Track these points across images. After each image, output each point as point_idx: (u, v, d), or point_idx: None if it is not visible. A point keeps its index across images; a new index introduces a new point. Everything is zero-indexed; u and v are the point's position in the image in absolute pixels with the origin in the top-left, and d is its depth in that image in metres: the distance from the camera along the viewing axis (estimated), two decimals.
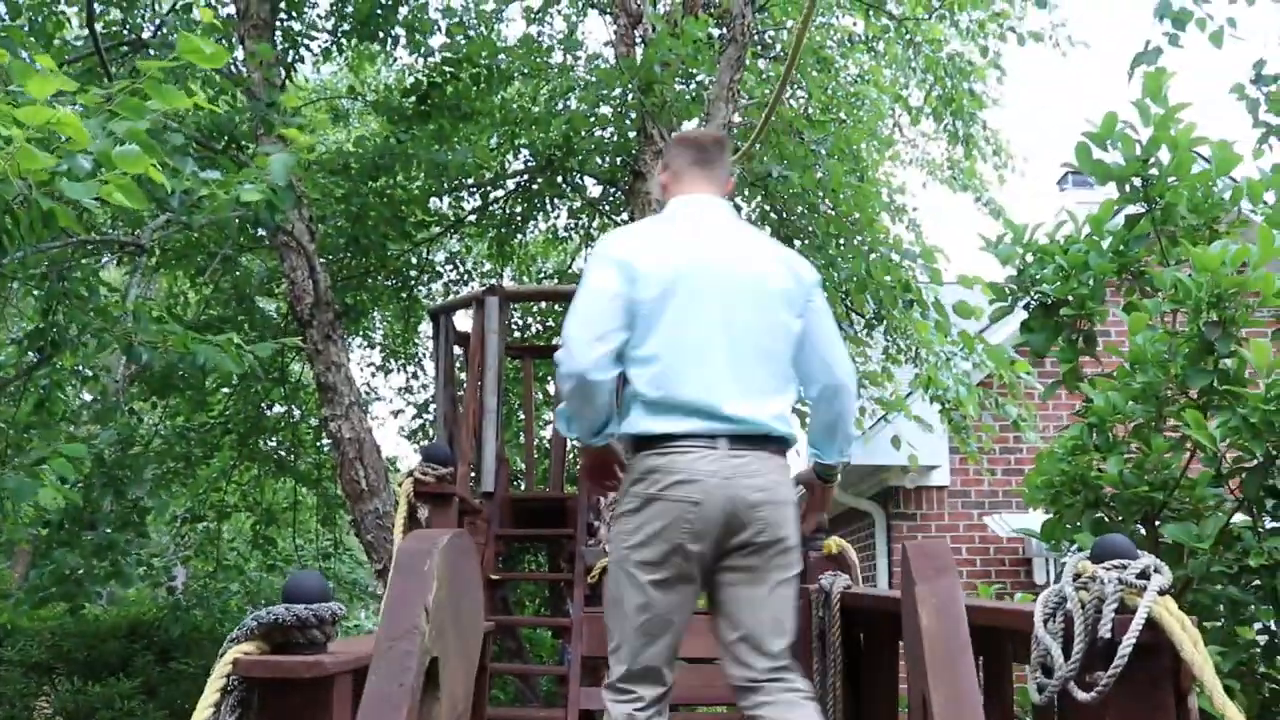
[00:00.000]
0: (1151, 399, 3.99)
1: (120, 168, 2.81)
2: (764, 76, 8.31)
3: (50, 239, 4.33)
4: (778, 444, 2.97)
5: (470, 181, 9.84)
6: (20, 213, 2.77)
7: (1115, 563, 2.67)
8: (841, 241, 7.67)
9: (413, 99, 8.03)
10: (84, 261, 5.49)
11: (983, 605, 3.20)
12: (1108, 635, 2.46)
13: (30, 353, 5.14)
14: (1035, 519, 10.82)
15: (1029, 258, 4.77)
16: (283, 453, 10.10)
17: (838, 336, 3.17)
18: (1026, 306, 4.82)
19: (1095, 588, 2.61)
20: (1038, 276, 4.64)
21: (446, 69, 7.99)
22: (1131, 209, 4.56)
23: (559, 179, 10.15)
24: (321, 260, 8.05)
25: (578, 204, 10.99)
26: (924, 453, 8.95)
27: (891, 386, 9.28)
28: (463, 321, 8.18)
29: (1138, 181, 4.39)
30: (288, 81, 8.14)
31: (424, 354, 11.51)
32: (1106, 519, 4.17)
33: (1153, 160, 4.33)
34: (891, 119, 9.53)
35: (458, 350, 8.12)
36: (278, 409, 10.11)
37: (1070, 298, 4.57)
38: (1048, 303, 4.69)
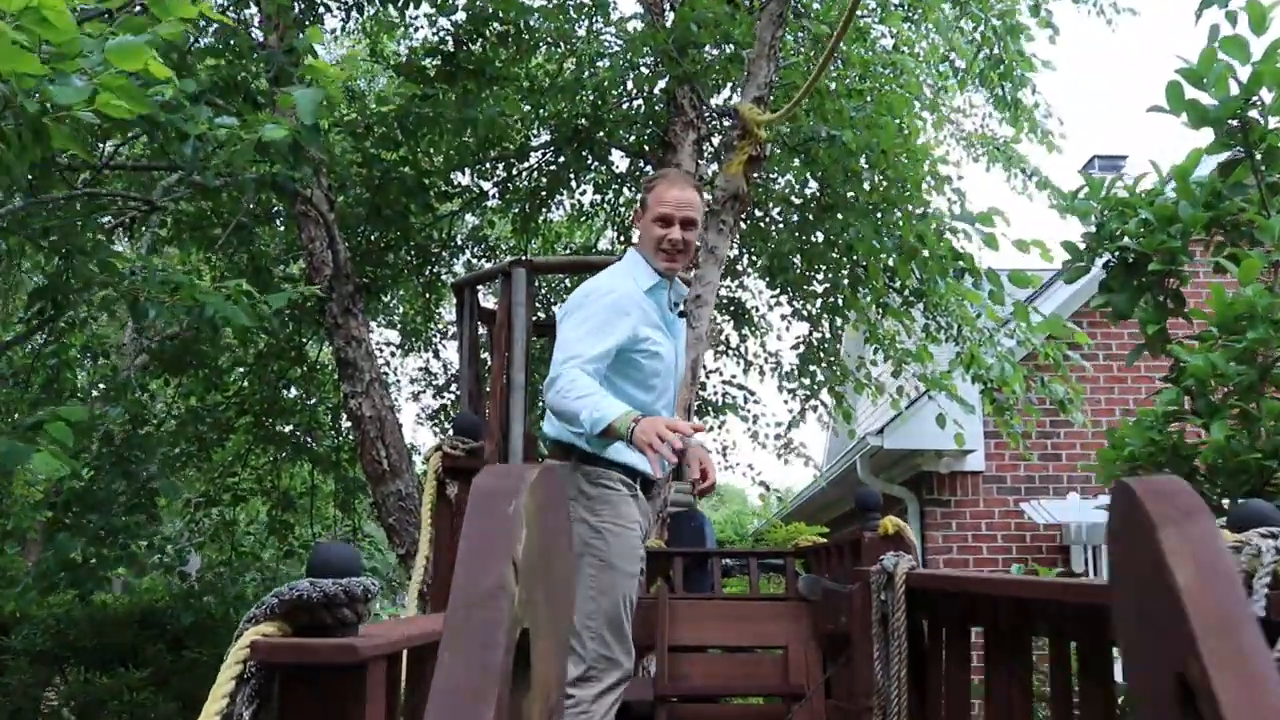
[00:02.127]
0: (1253, 360, 3.62)
1: (116, 64, 2.44)
2: (802, 33, 7.90)
3: (53, 183, 3.98)
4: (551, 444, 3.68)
5: (494, 154, 9.48)
6: (9, 132, 2.44)
7: (1266, 530, 2.30)
8: (886, 209, 7.28)
9: (436, 59, 7.64)
10: (91, 218, 5.15)
11: (1080, 582, 2.84)
12: (1261, 614, 2.09)
13: (35, 314, 4.80)
14: (1074, 506, 10.62)
15: (1107, 213, 4.39)
16: (300, 435, 9.75)
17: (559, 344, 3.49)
18: (1106, 265, 4.43)
19: (1242, 558, 2.25)
20: (1119, 231, 4.26)
21: (470, 27, 7.61)
22: (1225, 156, 4.17)
23: (585, 152, 9.79)
24: (341, 232, 7.72)
25: (604, 178, 10.62)
26: (952, 433, 8.62)
27: (931, 365, 8.92)
28: (488, 299, 7.85)
29: (1235, 125, 3.99)
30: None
31: (440, 336, 11.17)
32: (1206, 493, 3.78)
33: (1254, 100, 3.92)
34: (930, 88, 9.12)
35: (482, 327, 7.83)
36: (294, 390, 9.77)
37: (1156, 254, 4.18)
38: (1129, 260, 4.30)
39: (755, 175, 6.60)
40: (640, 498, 3.65)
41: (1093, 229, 4.40)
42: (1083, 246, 4.45)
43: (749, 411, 11.00)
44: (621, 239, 10.67)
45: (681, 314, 3.84)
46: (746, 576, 6.70)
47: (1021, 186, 10.40)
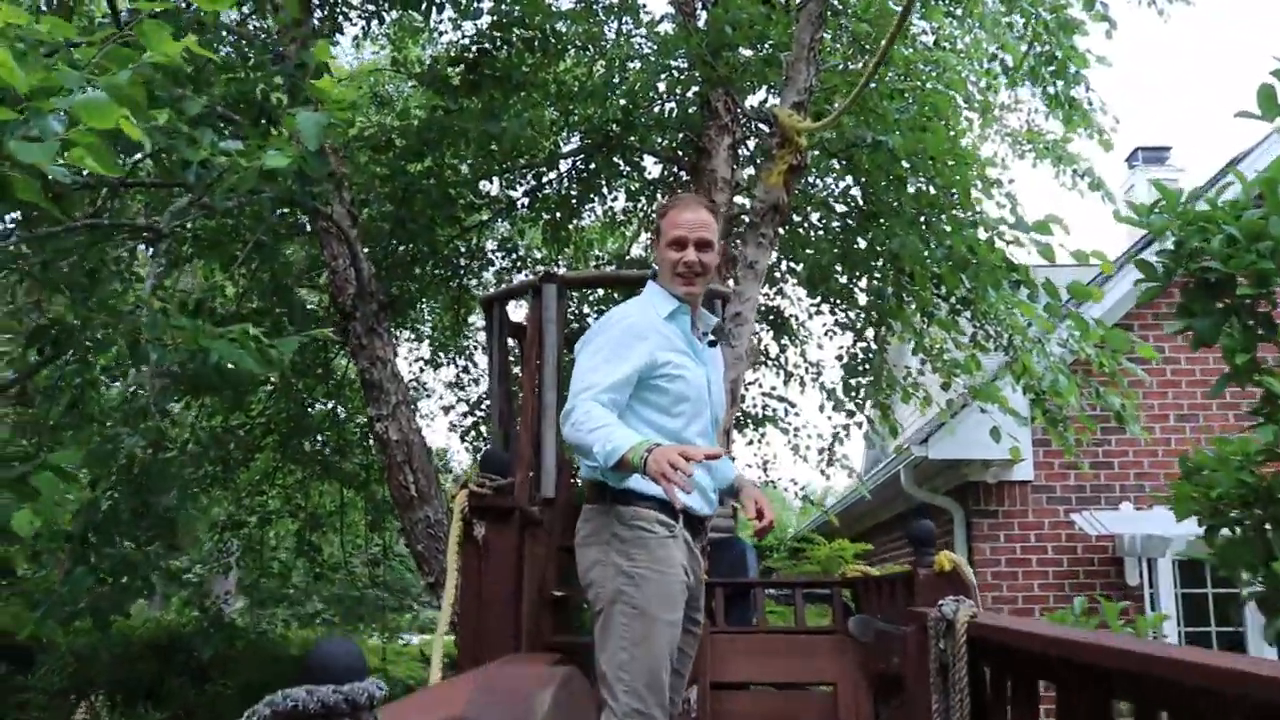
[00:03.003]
0: None
1: (86, 121, 2.17)
2: (840, 31, 7.55)
3: (50, 223, 3.72)
4: (584, 488, 3.47)
5: (523, 162, 9.18)
6: None
7: None
8: (936, 217, 6.92)
9: (460, 69, 7.34)
10: (95, 249, 4.91)
11: (1171, 654, 2.49)
12: None
13: (35, 352, 4.57)
14: (1128, 517, 10.20)
15: (1185, 229, 4.02)
16: (328, 453, 9.49)
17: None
18: (1186, 287, 4.06)
19: None
20: (1199, 249, 3.89)
21: (495, 34, 7.31)
22: None
23: (616, 158, 9.48)
24: (365, 248, 7.46)
25: (636, 185, 10.29)
26: (1007, 446, 8.28)
27: (980, 375, 8.55)
28: (517, 311, 7.58)
29: None
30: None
31: (475, 347, 10.88)
32: None
33: None
34: (975, 85, 8.73)
35: (512, 342, 7.54)
36: (321, 406, 9.51)
37: (1243, 275, 3.81)
38: (1212, 281, 3.93)
39: (796, 184, 6.26)
40: (682, 538, 3.40)
41: (1169, 245, 4.02)
42: (1158, 265, 4.06)
43: (789, 424, 10.65)
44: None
45: (713, 343, 3.71)
46: (791, 606, 6.38)
47: (1071, 183, 10.01)
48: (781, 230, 7.33)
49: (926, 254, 6.71)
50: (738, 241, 7.26)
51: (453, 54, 7.80)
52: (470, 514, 4.53)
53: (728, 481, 3.73)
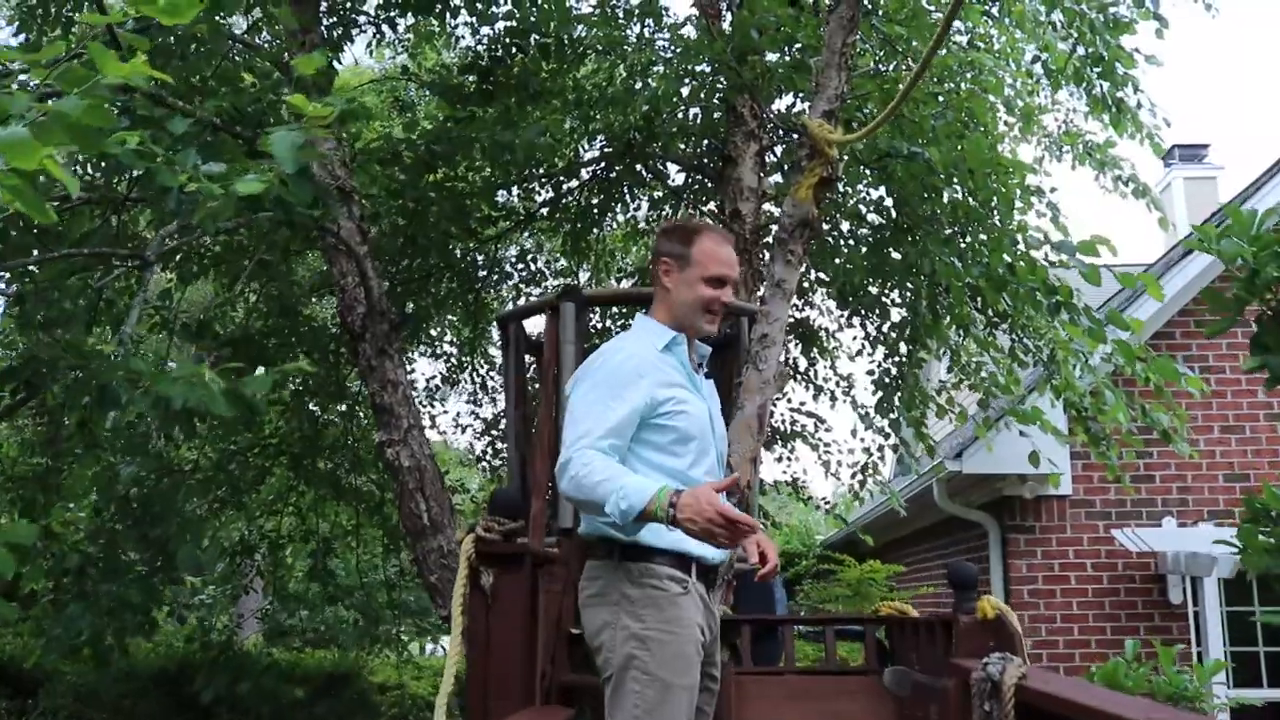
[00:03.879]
0: None
1: (9, 160, 1.88)
2: (871, 33, 7.17)
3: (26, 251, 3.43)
4: (587, 543, 3.22)
5: (541, 171, 8.86)
6: None
7: None
8: (973, 232, 6.54)
9: (473, 77, 7.00)
10: (76, 279, 4.65)
11: None
12: None
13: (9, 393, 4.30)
14: (1170, 533, 9.79)
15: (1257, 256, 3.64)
16: (343, 473, 9.19)
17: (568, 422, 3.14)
18: (1259, 319, 3.68)
19: None
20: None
21: (511, 40, 6.97)
22: None
23: (638, 166, 9.15)
24: (377, 264, 7.16)
25: (660, 193, 9.94)
26: (1046, 470, 7.92)
27: (1018, 392, 8.17)
28: (535, 328, 7.26)
29: None
30: (336, 62, 7.22)
31: (488, 366, 10.54)
32: None
33: None
34: (1013, 88, 8.33)
35: (530, 361, 7.24)
36: (336, 424, 9.20)
37: None
38: None
39: (826, 198, 5.89)
40: (696, 593, 3.14)
41: (1245, 272, 3.64)
42: (1231, 296, 3.69)
43: (819, 439, 10.28)
44: None
45: (708, 375, 3.47)
46: (821, 644, 6.04)
47: (1112, 186, 9.61)
48: (812, 243, 6.97)
49: (964, 271, 6.32)
50: (765, 255, 6.94)
51: (467, 60, 7.45)
52: (477, 561, 4.23)
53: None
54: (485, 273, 9.47)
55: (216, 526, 8.43)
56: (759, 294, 7.17)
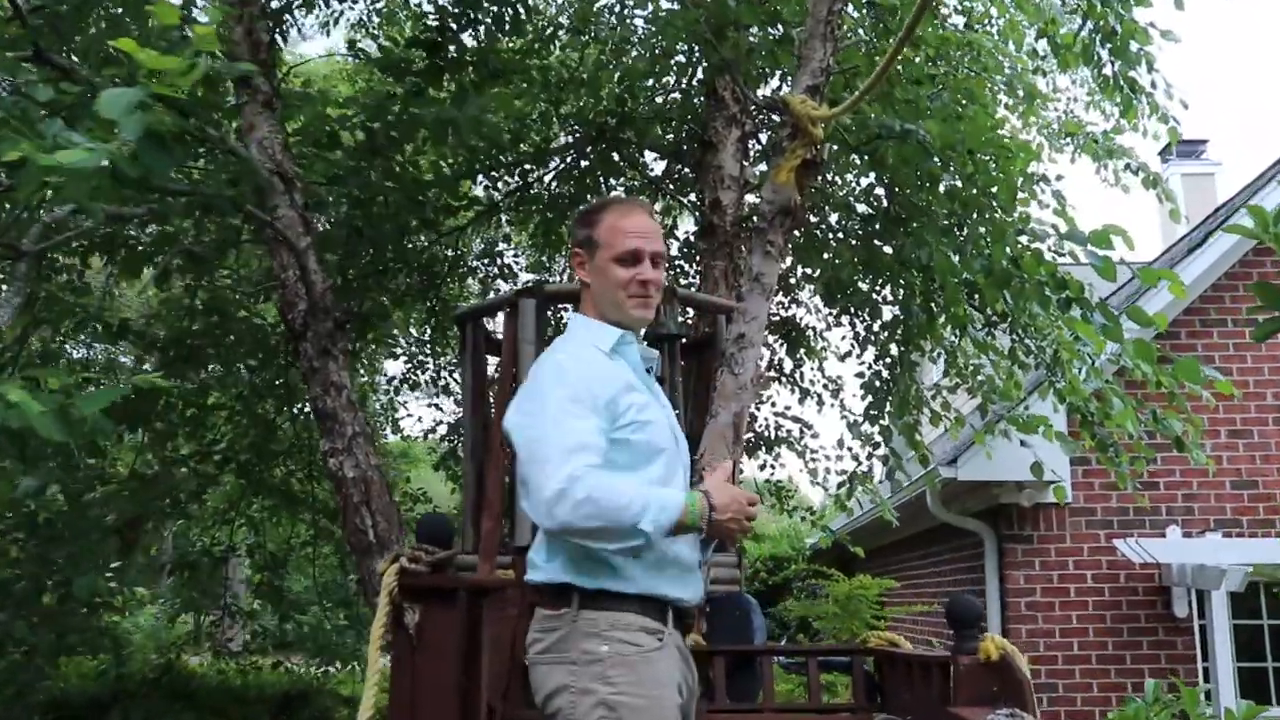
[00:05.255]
0: None
1: None
2: (860, 4, 6.63)
3: None
4: (538, 591, 2.66)
5: (508, 159, 8.27)
6: None
7: None
8: (971, 224, 5.98)
9: (421, 51, 6.38)
10: None
11: None
12: None
13: None
14: (1175, 544, 9.30)
15: None
16: (296, 481, 8.56)
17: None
18: None
19: None
20: None
21: (461, 9, 6.35)
22: None
23: (613, 154, 8.58)
24: (330, 257, 6.58)
25: (637, 183, 9.38)
26: (1050, 484, 7.43)
27: (1018, 396, 7.63)
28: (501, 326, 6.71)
29: None
30: (277, 40, 6.63)
31: (454, 367, 9.94)
32: None
33: None
34: (1013, 71, 7.80)
35: (493, 362, 6.70)
36: (285, 431, 8.57)
37: None
38: None
39: (810, 182, 5.31)
40: (672, 644, 2.65)
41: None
42: None
43: (804, 445, 9.73)
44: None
45: (659, 379, 2.98)
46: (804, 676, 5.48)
47: (1115, 179, 9.12)
48: (796, 234, 6.42)
49: (962, 266, 5.75)
50: (743, 249, 6.41)
51: (415, 34, 6.83)
52: (401, 596, 3.64)
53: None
54: (447, 269, 8.84)
55: (153, 542, 7.81)
56: (735, 291, 6.62)
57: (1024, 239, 5.84)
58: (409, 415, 9.54)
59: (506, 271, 9.77)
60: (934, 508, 9.76)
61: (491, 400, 6.33)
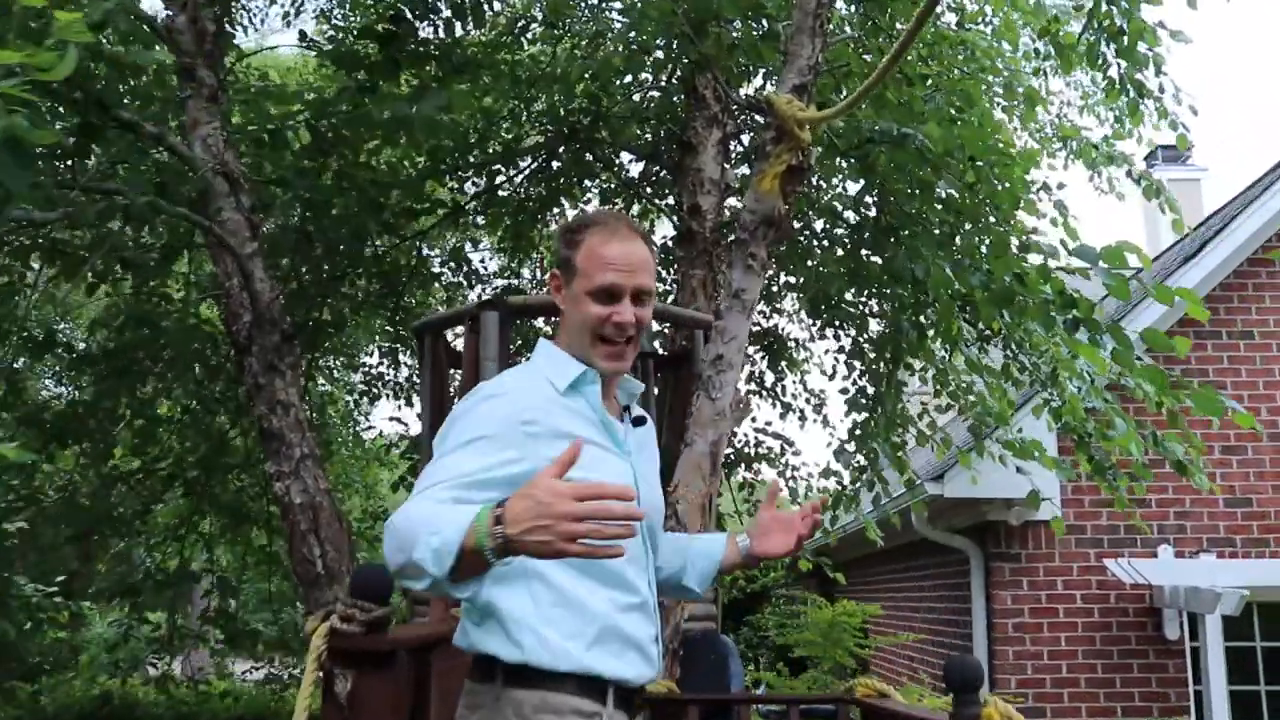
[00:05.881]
0: None
1: None
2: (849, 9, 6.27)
3: None
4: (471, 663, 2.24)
5: (475, 158, 7.85)
6: None
7: None
8: (967, 236, 5.60)
9: (373, 43, 5.93)
10: None
11: None
12: None
13: None
14: (1167, 565, 8.97)
15: None
16: (248, 498, 8.10)
17: None
18: None
19: None
20: None
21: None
22: None
23: (587, 154, 8.18)
24: (282, 263, 6.13)
25: (612, 185, 8.97)
26: (1028, 481, 7.10)
27: (1010, 416, 7.26)
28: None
29: None
30: (225, 29, 6.17)
31: (411, 384, 9.47)
32: None
33: None
34: (1009, 73, 7.46)
35: (457, 376, 6.32)
36: (237, 445, 8.10)
37: None
38: None
39: (796, 190, 4.89)
40: None
41: None
42: None
43: (785, 463, 9.35)
44: None
45: (640, 420, 2.49)
46: None
47: (1108, 185, 8.79)
48: (779, 246, 6.02)
49: (959, 282, 5.35)
50: (723, 265, 6.01)
51: (368, 23, 6.39)
52: (330, 661, 3.21)
53: (711, 571, 2.60)
54: (408, 275, 8.38)
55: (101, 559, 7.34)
56: (713, 306, 6.22)
57: (1029, 254, 5.45)
58: (370, 428, 9.23)
59: (474, 278, 9.32)
60: (919, 525, 9.49)
61: None
